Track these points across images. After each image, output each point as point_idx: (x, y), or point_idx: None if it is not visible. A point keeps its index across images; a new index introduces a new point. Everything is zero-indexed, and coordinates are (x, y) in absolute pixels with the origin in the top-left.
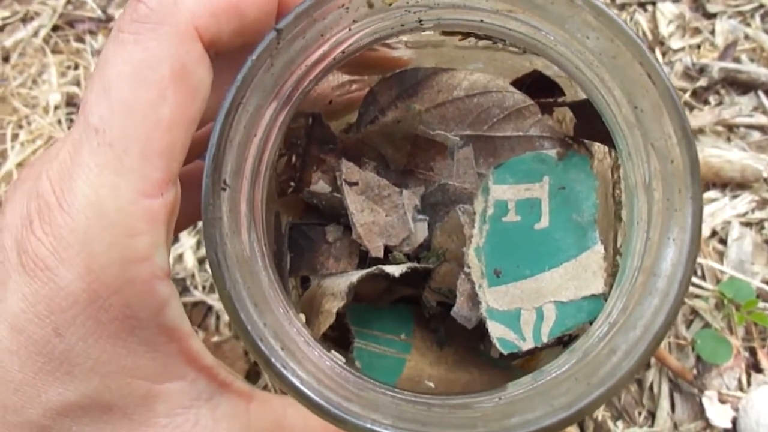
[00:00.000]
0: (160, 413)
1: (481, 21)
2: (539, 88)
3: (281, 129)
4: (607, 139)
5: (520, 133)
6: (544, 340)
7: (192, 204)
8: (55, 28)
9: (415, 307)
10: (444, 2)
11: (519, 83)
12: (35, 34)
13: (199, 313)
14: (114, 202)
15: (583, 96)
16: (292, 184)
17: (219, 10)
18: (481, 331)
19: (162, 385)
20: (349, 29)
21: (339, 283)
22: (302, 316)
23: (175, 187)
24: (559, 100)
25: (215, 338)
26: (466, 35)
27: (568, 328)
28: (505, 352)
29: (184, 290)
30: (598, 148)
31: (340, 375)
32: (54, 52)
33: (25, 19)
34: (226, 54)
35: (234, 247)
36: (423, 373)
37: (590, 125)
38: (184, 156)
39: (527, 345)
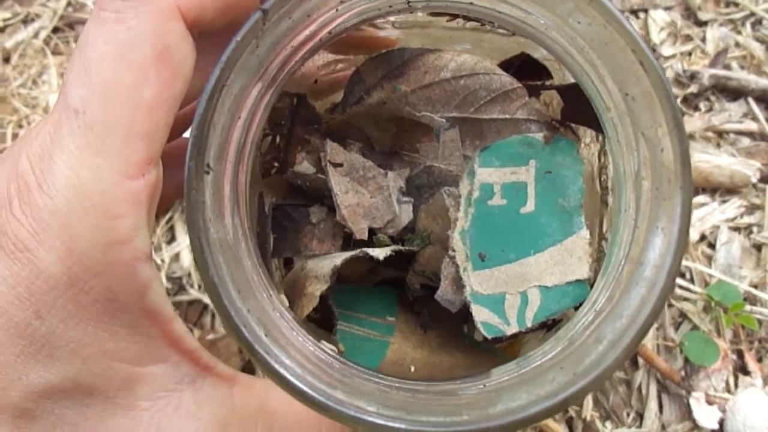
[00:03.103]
0: (142, 396)
1: (471, 3)
2: (527, 70)
3: (266, 110)
4: (595, 124)
5: (507, 116)
6: (528, 324)
7: (173, 182)
8: (55, 30)
9: (399, 290)
10: None
11: (506, 65)
12: (36, 35)
13: (194, 312)
14: (95, 184)
15: (571, 79)
16: (276, 164)
17: None
18: (465, 314)
19: (144, 368)
20: (336, 10)
21: (323, 266)
22: (284, 299)
23: (156, 169)
24: (547, 83)
25: (210, 336)
26: (455, 16)
27: (552, 313)
28: (489, 337)
29: (180, 289)
30: (585, 133)
31: (324, 360)
32: (54, 53)
33: (26, 21)
34: (211, 34)
35: (217, 232)
36: (406, 356)
37: (578, 109)
38: (167, 137)
39: (511, 329)
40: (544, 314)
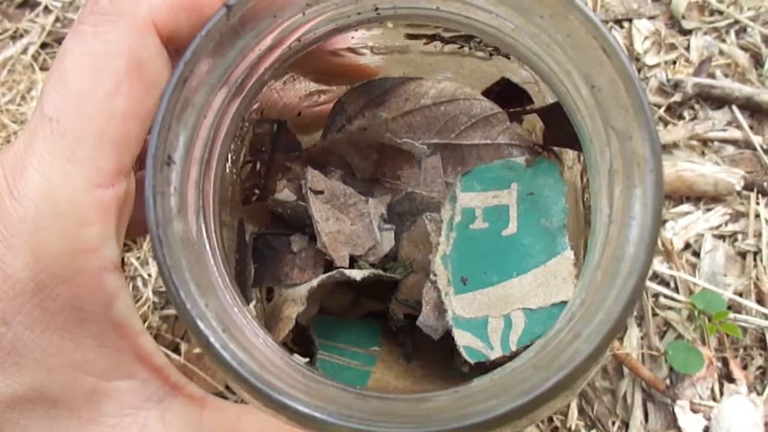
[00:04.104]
0: (108, 413)
1: (437, 8)
2: (508, 96)
3: (235, 119)
4: (576, 144)
5: (488, 141)
6: (513, 348)
7: None
8: (44, 46)
9: (383, 321)
10: None
11: (488, 93)
12: (24, 51)
13: (182, 326)
14: (65, 191)
15: (551, 101)
16: (257, 192)
17: (178, 5)
18: (449, 345)
19: (111, 383)
20: (303, 14)
21: (299, 289)
22: (252, 309)
23: (127, 180)
24: (528, 107)
25: (197, 349)
26: (431, 38)
27: (537, 336)
28: (472, 361)
29: (167, 303)
30: (567, 155)
31: (287, 364)
32: (43, 69)
33: (15, 37)
34: None
35: (179, 227)
36: (388, 386)
37: (559, 130)
38: (138, 149)
39: (495, 353)
40: (528, 337)
